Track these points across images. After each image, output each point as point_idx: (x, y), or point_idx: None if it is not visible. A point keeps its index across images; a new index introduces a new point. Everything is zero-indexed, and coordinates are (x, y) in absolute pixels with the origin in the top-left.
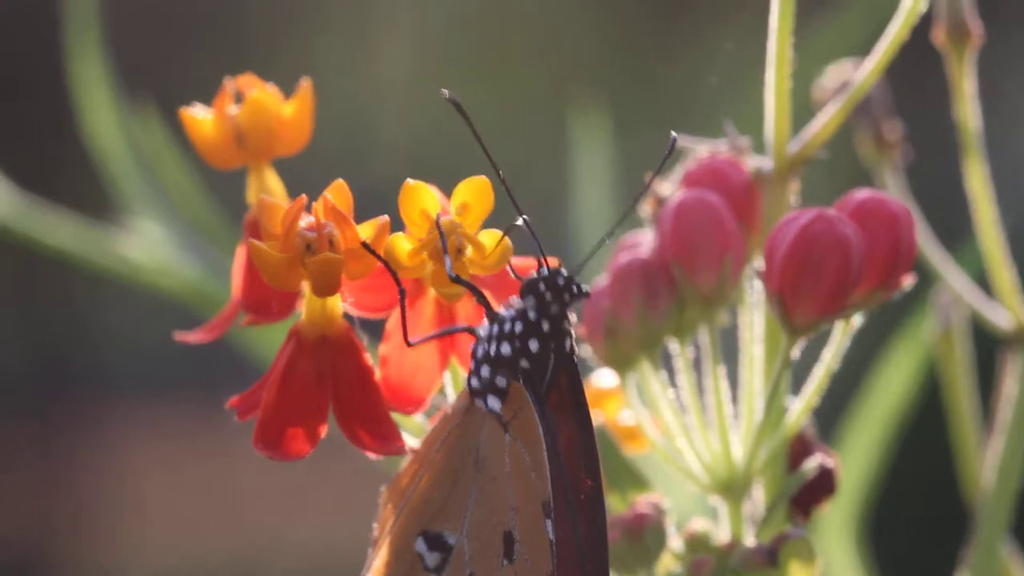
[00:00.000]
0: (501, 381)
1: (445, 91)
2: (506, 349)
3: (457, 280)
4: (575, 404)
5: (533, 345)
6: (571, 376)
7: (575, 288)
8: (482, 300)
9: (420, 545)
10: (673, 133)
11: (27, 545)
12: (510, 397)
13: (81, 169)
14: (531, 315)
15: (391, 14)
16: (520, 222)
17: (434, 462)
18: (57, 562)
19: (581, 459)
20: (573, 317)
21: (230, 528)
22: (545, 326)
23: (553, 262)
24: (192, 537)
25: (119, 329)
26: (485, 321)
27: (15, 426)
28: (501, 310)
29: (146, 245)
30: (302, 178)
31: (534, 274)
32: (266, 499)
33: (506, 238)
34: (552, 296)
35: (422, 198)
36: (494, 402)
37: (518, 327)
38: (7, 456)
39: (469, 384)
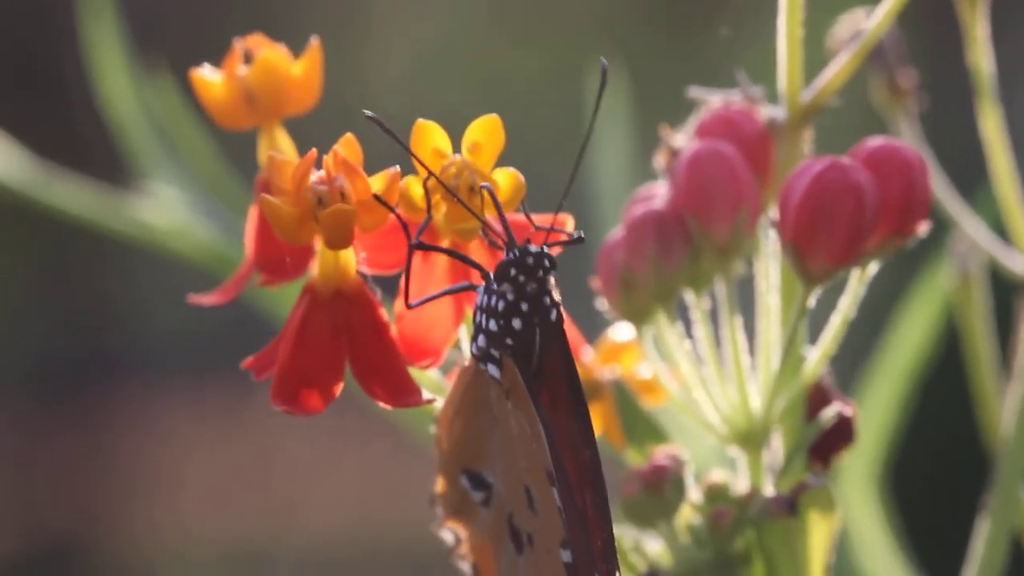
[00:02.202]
0: (495, 352)
1: (367, 112)
2: (493, 325)
3: (420, 246)
4: (567, 374)
5: (516, 323)
6: (561, 346)
7: (547, 262)
8: (471, 263)
9: (464, 481)
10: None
11: (66, 527)
12: (504, 368)
13: (97, 134)
14: (509, 296)
15: None
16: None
17: (461, 410)
18: (96, 544)
19: (577, 427)
20: (556, 288)
21: (269, 505)
22: (524, 307)
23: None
24: (231, 515)
25: (153, 309)
26: (482, 287)
27: (51, 409)
28: (493, 280)
29: (162, 209)
30: (316, 141)
31: (504, 258)
32: (305, 475)
33: (520, 176)
34: (526, 277)
35: (433, 137)
36: (493, 370)
37: (500, 305)
38: (44, 440)
39: (472, 349)
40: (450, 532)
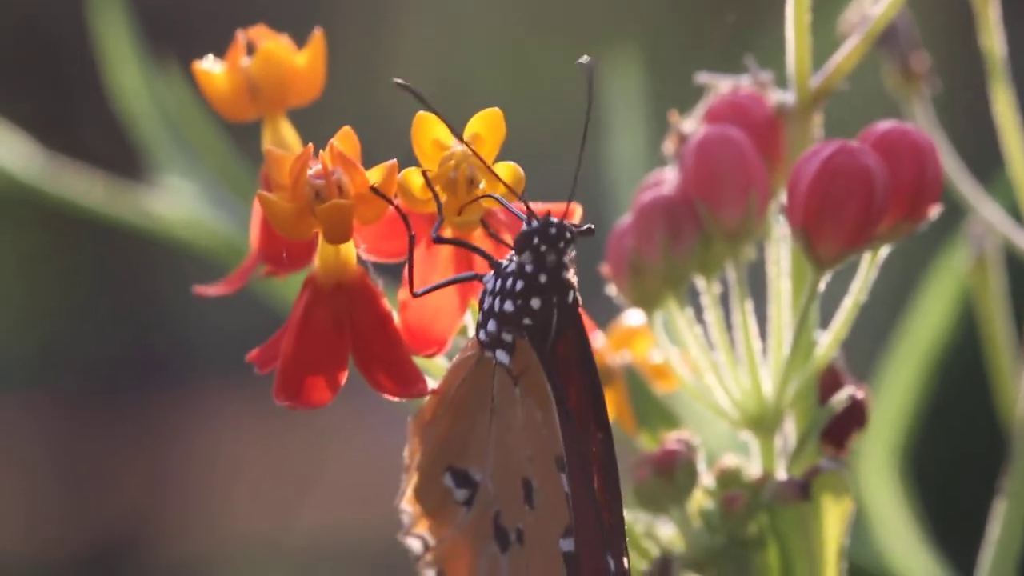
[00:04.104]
0: (507, 336)
1: (397, 80)
2: (509, 306)
3: (439, 240)
4: (582, 356)
5: (535, 303)
6: (576, 328)
7: (569, 234)
8: (480, 252)
9: (448, 479)
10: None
11: (118, 527)
12: (517, 352)
13: (109, 128)
14: (528, 268)
15: None
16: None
17: (453, 403)
18: (148, 542)
19: (591, 411)
20: (573, 268)
21: (322, 503)
22: (543, 278)
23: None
24: (284, 513)
25: (206, 309)
26: (491, 271)
27: (104, 410)
28: (504, 261)
29: (176, 202)
30: (324, 134)
31: (526, 227)
32: (358, 472)
33: (519, 169)
34: (547, 247)
35: (433, 129)
36: (502, 356)
37: (519, 285)
38: (97, 440)
39: (478, 336)
40: (418, 539)
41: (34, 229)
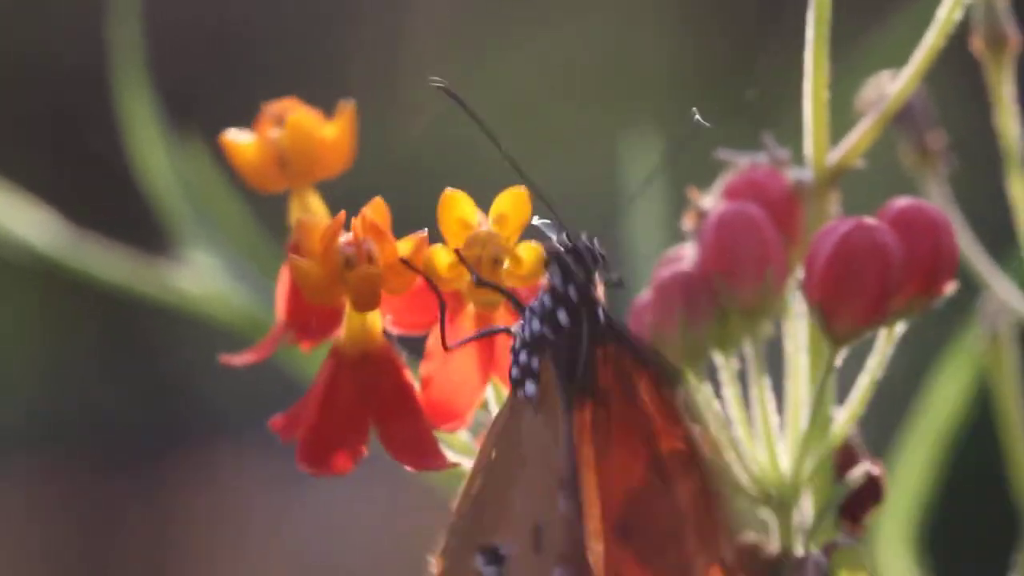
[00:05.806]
0: (535, 363)
1: (434, 79)
2: (536, 325)
3: (480, 283)
4: (636, 361)
5: (562, 316)
6: (619, 340)
7: (597, 254)
8: (514, 302)
9: (478, 561)
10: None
11: None
12: (541, 374)
13: (133, 203)
14: (557, 283)
15: (434, 37)
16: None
17: (488, 466)
18: None
19: (665, 410)
20: (601, 287)
21: (345, 571)
22: (572, 294)
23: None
24: None
25: (224, 377)
26: (518, 321)
27: (123, 477)
28: (532, 303)
29: (199, 276)
30: (348, 203)
31: (555, 244)
32: (378, 544)
33: (542, 250)
34: (575, 262)
35: (460, 207)
36: (531, 387)
37: (547, 300)
38: (117, 508)
39: (510, 376)
40: None
41: (54, 297)
